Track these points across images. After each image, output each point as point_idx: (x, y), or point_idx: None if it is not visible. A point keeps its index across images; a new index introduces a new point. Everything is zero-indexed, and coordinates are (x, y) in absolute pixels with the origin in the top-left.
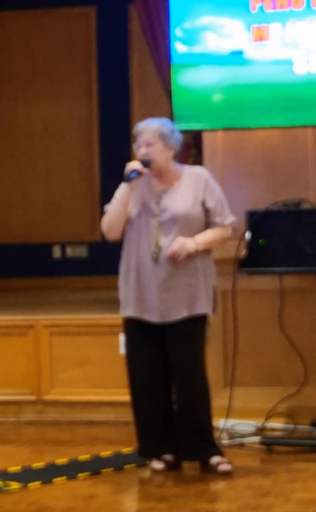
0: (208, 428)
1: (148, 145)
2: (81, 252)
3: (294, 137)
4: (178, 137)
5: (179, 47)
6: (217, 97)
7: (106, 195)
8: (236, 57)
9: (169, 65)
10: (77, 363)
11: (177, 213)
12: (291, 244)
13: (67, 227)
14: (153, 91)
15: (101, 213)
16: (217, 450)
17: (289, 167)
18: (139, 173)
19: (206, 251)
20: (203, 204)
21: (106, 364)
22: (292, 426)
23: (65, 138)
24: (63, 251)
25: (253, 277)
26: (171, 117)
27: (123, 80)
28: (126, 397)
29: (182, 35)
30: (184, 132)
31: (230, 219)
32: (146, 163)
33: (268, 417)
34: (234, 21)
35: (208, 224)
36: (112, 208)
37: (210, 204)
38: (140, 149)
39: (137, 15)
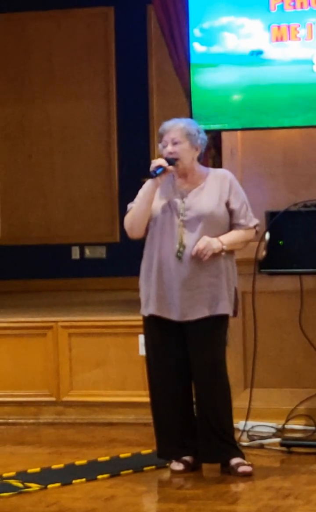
0: (228, 430)
1: (175, 143)
2: (100, 253)
3: (315, 137)
4: (204, 138)
5: (197, 47)
6: (236, 97)
7: (125, 196)
8: (256, 57)
9: (188, 65)
10: (96, 364)
11: (202, 212)
12: (311, 245)
13: (86, 228)
14: (172, 91)
15: (120, 214)
16: (237, 451)
17: (309, 168)
18: (164, 170)
19: (230, 253)
20: (227, 205)
21: (125, 365)
22: (312, 427)
23: (84, 139)
24: (82, 252)
25: (273, 278)
26: (190, 118)
27: (142, 80)
28: (145, 398)
29: (201, 35)
30: None
31: (254, 221)
32: (171, 161)
33: (288, 418)
34: (253, 21)
35: (231, 225)
36: (136, 206)
37: (235, 205)
38: (166, 147)
39: (155, 15)
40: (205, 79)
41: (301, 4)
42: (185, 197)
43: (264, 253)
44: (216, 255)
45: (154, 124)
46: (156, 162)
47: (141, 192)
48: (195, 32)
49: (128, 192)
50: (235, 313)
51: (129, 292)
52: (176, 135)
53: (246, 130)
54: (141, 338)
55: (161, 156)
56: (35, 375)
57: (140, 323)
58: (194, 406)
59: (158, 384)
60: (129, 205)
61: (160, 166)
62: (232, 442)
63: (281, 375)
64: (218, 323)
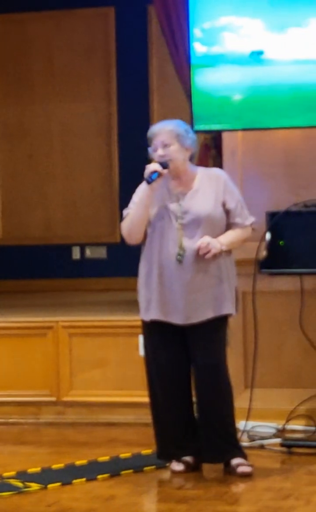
0: (230, 430)
1: (165, 146)
2: (101, 253)
3: (315, 137)
4: (193, 138)
5: (198, 48)
6: (236, 97)
7: (126, 196)
8: (256, 57)
9: (188, 65)
10: (97, 365)
11: (200, 215)
12: (312, 245)
13: (87, 229)
14: (172, 92)
15: (121, 214)
16: (238, 451)
17: (310, 168)
18: (159, 175)
19: (228, 252)
20: (224, 205)
21: (125, 365)
22: (313, 428)
23: (84, 140)
24: (82, 253)
25: (273, 278)
26: (191, 118)
27: (142, 81)
28: (145, 398)
29: (201, 35)
30: (203, 132)
31: (250, 219)
32: (164, 164)
33: (289, 419)
34: (254, 21)
35: (228, 225)
36: (133, 212)
37: (231, 205)
38: (157, 151)
39: (156, 15)
40: (206, 79)
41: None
42: (181, 200)
43: (264, 253)
44: (216, 256)
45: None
46: (151, 167)
47: (136, 198)
48: (196, 32)
49: (129, 192)
50: (236, 310)
51: (129, 293)
52: (164, 137)
53: (246, 130)
54: (141, 339)
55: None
56: (35, 375)
57: (140, 323)
58: (194, 406)
59: (157, 386)
60: (124, 211)
61: (154, 171)
62: (234, 442)
63: (281, 375)
64: (220, 323)
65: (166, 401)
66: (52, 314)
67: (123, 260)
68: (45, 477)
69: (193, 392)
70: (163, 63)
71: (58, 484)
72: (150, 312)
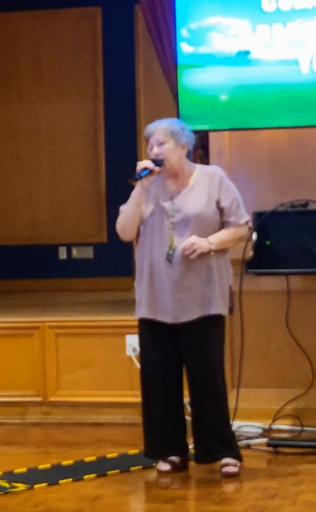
0: (222, 430)
1: (160, 144)
2: (87, 253)
3: (301, 137)
4: (190, 135)
5: (185, 48)
6: (223, 97)
7: (112, 196)
8: (243, 58)
9: (175, 65)
10: (83, 365)
11: (190, 214)
12: (298, 245)
13: (73, 228)
14: (159, 92)
15: (108, 214)
16: (229, 451)
17: (296, 168)
18: (150, 172)
19: (221, 251)
20: (217, 203)
21: (112, 365)
22: (299, 427)
23: (71, 139)
24: (69, 252)
25: (260, 278)
26: (177, 118)
27: (129, 81)
28: (132, 398)
29: (188, 35)
30: None
31: (244, 218)
32: (158, 162)
33: (275, 418)
34: (241, 21)
35: (222, 223)
36: (126, 208)
37: (224, 203)
38: (153, 149)
39: (143, 15)
40: (193, 79)
41: (288, 4)
42: (175, 198)
43: (251, 253)
44: (205, 255)
45: (142, 124)
46: (141, 164)
47: (132, 193)
48: (182, 32)
49: (115, 192)
50: (231, 310)
51: (116, 292)
52: (159, 136)
53: (233, 130)
54: (128, 339)
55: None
56: (21, 375)
57: (127, 323)
58: (185, 406)
59: (149, 385)
60: (121, 207)
61: (145, 169)
62: (226, 442)
63: (267, 375)
64: (212, 323)
65: (157, 400)
66: (39, 314)
67: (110, 260)
68: (32, 477)
69: (186, 393)
70: (150, 63)
71: (45, 484)
72: (140, 310)
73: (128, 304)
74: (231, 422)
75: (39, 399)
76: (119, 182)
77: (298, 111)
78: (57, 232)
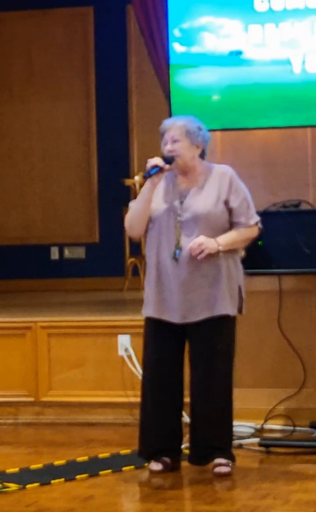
0: (220, 433)
1: (175, 141)
2: (79, 253)
3: (294, 137)
4: (206, 135)
5: (177, 48)
6: (215, 97)
7: (104, 197)
8: (235, 57)
9: (167, 65)
10: (75, 365)
11: (198, 213)
12: (290, 245)
13: (65, 229)
14: (151, 92)
15: (100, 214)
16: (222, 451)
17: (288, 168)
18: (161, 169)
19: (231, 251)
20: (226, 203)
21: (104, 365)
22: (291, 427)
23: (63, 139)
24: (61, 253)
25: (252, 278)
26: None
27: (121, 81)
28: (124, 398)
29: (180, 35)
30: None
31: (254, 219)
32: (169, 160)
33: (267, 418)
34: (233, 21)
35: (232, 224)
36: (135, 205)
37: (234, 204)
38: (166, 146)
39: (135, 15)
40: (185, 79)
41: (280, 4)
42: (184, 197)
43: (243, 253)
44: (212, 256)
45: (134, 124)
46: (152, 161)
47: (142, 190)
48: (175, 32)
49: (107, 192)
50: (240, 310)
51: (108, 293)
52: (175, 133)
53: (225, 130)
54: (120, 339)
55: (149, 156)
56: (13, 375)
57: (119, 323)
58: (183, 407)
59: (150, 385)
60: (130, 203)
61: (155, 166)
62: (221, 445)
63: (259, 375)
64: (220, 324)
65: (154, 400)
66: (31, 314)
67: (102, 260)
68: (24, 477)
69: (186, 393)
70: (142, 63)
71: (37, 484)
72: (147, 308)
73: (121, 304)
74: (233, 426)
75: (31, 399)
76: (111, 182)
77: (290, 111)
78: (49, 232)
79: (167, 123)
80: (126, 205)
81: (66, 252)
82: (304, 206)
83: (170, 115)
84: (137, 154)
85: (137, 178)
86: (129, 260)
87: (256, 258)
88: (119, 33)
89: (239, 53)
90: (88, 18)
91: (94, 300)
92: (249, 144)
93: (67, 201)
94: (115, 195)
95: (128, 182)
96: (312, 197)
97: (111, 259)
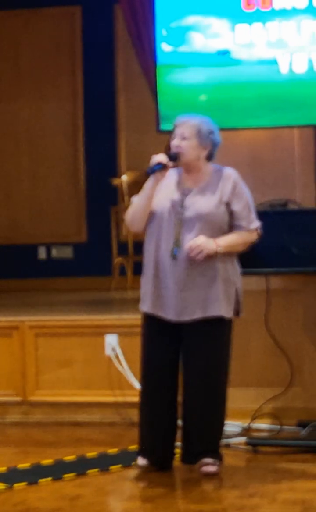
0: (210, 433)
1: (183, 138)
2: (67, 253)
3: (281, 137)
4: (216, 139)
5: (164, 47)
6: (203, 97)
7: (92, 196)
8: (223, 57)
9: (155, 65)
10: (63, 364)
11: (199, 212)
12: (278, 245)
13: (53, 228)
14: (139, 91)
15: (87, 214)
16: (210, 451)
17: (276, 168)
18: (164, 167)
19: (229, 254)
20: (228, 206)
21: (91, 365)
22: (278, 426)
23: (50, 139)
24: (48, 252)
25: None
26: (157, 118)
27: (108, 80)
28: (111, 398)
29: (168, 35)
30: (169, 132)
31: (255, 223)
32: (173, 157)
33: (254, 417)
34: (220, 21)
35: (232, 226)
36: (137, 200)
37: (236, 207)
38: (174, 140)
39: (123, 15)
40: (172, 78)
41: (267, 4)
42: (186, 195)
43: None
44: (211, 257)
45: (121, 124)
46: (156, 158)
47: (145, 186)
48: (162, 31)
49: (94, 192)
50: (237, 313)
51: (96, 292)
52: (186, 130)
53: None
54: (107, 338)
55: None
56: (1, 375)
57: (106, 323)
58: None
59: (147, 382)
60: (132, 198)
61: (159, 163)
62: (210, 446)
63: (246, 374)
64: (214, 325)
65: (150, 397)
66: (18, 314)
67: (90, 259)
68: (11, 476)
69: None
70: (129, 62)
71: (24, 483)
72: (145, 304)
73: (108, 304)
74: (224, 426)
75: (18, 398)
76: (99, 182)
77: (278, 111)
78: (36, 231)
79: (181, 118)
80: (114, 205)
81: (54, 252)
82: (291, 206)
83: (157, 115)
84: (125, 153)
85: (124, 177)
86: (117, 260)
87: (243, 258)
88: (106, 32)
89: (226, 52)
90: (76, 18)
91: (82, 300)
92: (236, 144)
93: (55, 200)
94: (102, 195)
95: (116, 181)
96: (299, 197)
97: (98, 259)
